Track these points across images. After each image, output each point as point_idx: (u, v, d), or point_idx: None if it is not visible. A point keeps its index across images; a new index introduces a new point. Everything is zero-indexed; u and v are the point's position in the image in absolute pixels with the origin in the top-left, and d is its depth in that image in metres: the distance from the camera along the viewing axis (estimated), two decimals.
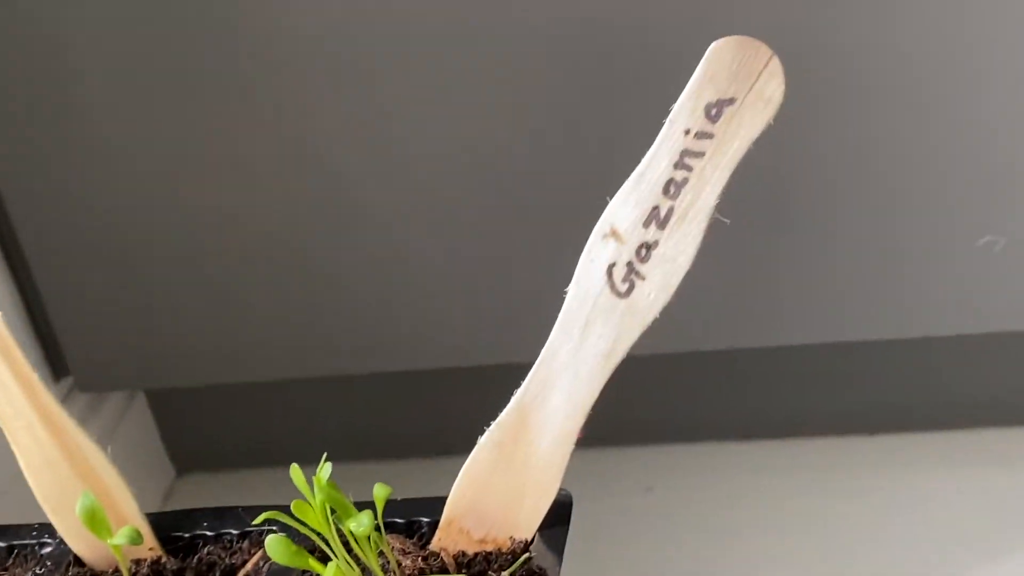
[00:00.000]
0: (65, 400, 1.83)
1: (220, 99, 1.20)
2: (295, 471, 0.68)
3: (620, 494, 1.79)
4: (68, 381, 1.83)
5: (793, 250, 1.61)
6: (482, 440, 0.74)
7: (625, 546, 1.74)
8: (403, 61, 1.16)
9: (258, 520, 0.67)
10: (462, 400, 1.64)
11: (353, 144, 1.38)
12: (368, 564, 0.70)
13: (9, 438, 0.78)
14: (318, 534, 0.69)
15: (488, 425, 0.74)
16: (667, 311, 0.72)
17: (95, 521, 0.74)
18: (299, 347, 1.70)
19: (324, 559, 0.71)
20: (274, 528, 0.78)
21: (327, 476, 0.68)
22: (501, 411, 0.74)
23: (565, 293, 0.71)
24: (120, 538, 0.74)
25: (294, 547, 0.67)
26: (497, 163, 1.32)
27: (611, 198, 0.69)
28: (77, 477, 0.78)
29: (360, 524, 0.68)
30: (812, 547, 1.69)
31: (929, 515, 1.71)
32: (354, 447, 1.72)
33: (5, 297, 1.73)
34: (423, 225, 1.52)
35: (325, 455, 0.70)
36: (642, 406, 1.75)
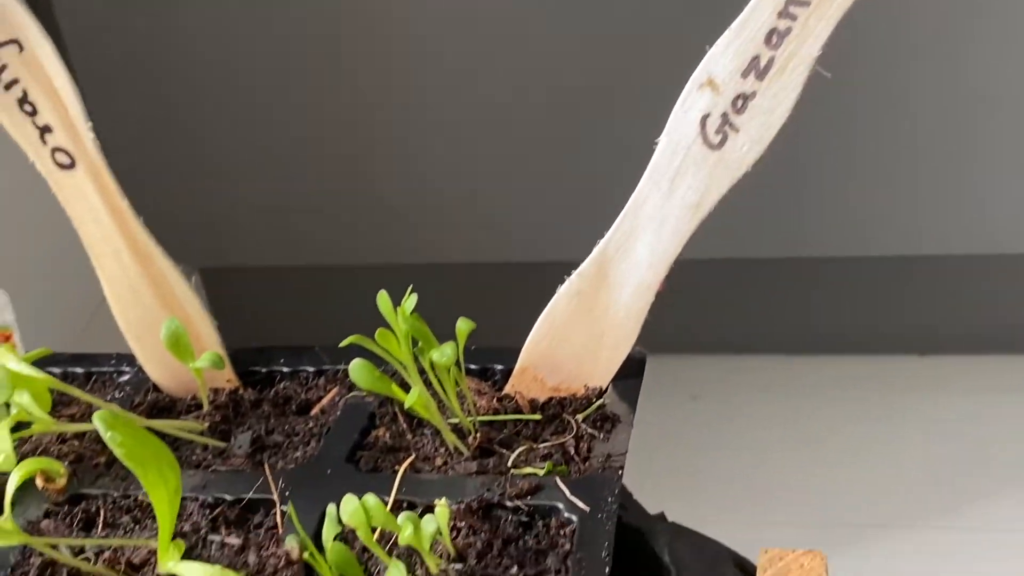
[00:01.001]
0: (104, 300, 1.85)
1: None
2: (383, 297, 0.69)
3: (666, 400, 1.80)
4: None
5: (853, 161, 1.60)
6: (562, 289, 0.75)
7: (667, 451, 1.76)
8: None
9: (344, 343, 0.68)
10: (499, 295, 1.67)
11: (418, 56, 1.39)
12: (446, 397, 0.71)
13: (95, 264, 0.79)
14: (400, 365, 0.70)
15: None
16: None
17: (179, 345, 0.75)
18: (354, 236, 1.72)
19: (404, 389, 0.72)
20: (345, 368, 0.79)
21: (412, 307, 0.69)
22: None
23: (655, 144, 0.71)
24: (203, 361, 0.75)
25: (377, 372, 0.68)
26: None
27: (710, 47, 0.69)
28: (160, 305, 0.79)
29: (443, 354, 0.69)
30: (849, 463, 1.70)
31: (969, 437, 1.72)
32: None
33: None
34: (476, 127, 1.53)
35: (411, 287, 0.70)
36: (693, 316, 1.76)
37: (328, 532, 0.59)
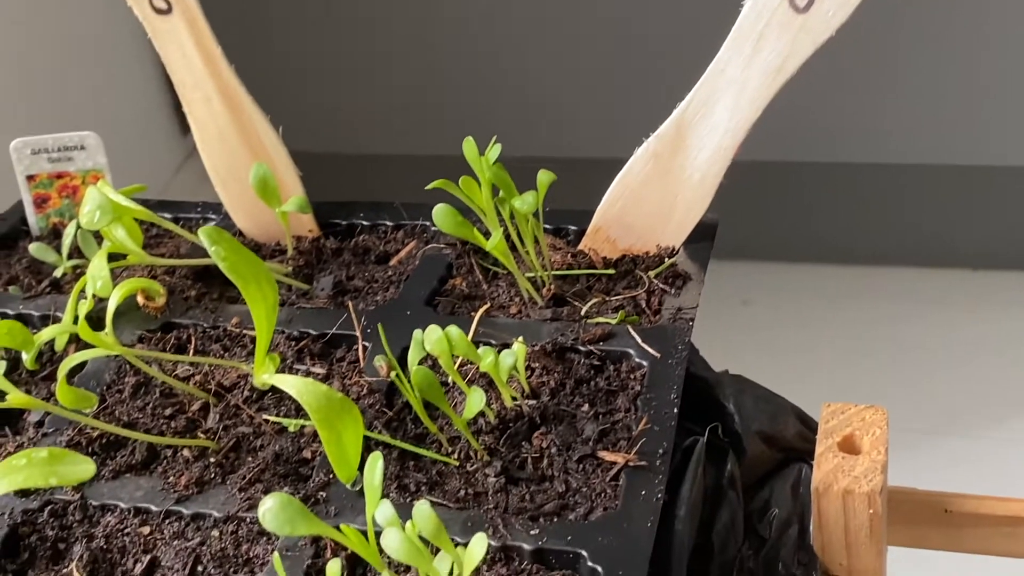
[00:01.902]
0: (191, 156, 1.89)
1: None
2: (468, 144, 0.71)
3: (718, 305, 1.82)
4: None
5: (911, 71, 1.58)
6: (638, 151, 0.77)
7: (717, 354, 1.78)
8: None
9: (430, 186, 0.71)
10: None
11: None
12: (523, 249, 0.74)
13: (186, 109, 0.81)
14: (481, 212, 0.73)
15: None
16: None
17: (266, 190, 0.78)
18: (421, 128, 1.74)
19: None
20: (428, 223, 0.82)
21: (496, 156, 0.71)
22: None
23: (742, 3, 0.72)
24: (290, 205, 0.78)
25: (460, 217, 0.70)
26: None
27: None
28: (248, 152, 0.82)
29: (524, 202, 0.71)
30: (898, 372, 1.71)
31: (1020, 351, 1.73)
32: None
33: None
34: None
35: (495, 137, 0.72)
36: (746, 222, 1.76)
37: (414, 355, 0.62)
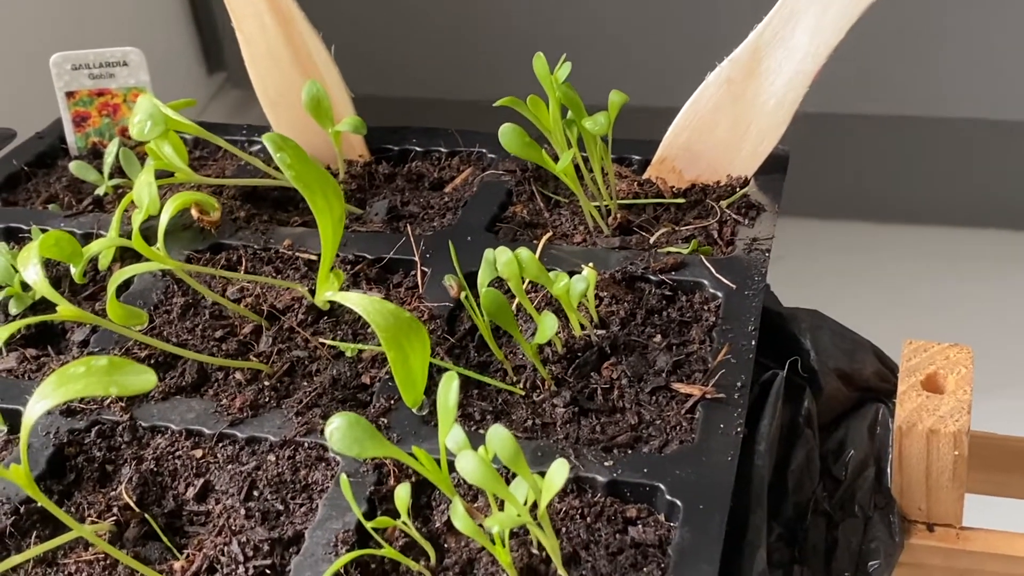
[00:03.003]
0: (217, 95, 1.86)
1: None
2: (539, 59, 0.67)
3: None
4: (221, 76, 1.85)
5: (961, 19, 1.53)
6: (709, 77, 0.73)
7: None
8: None
9: (498, 103, 0.67)
10: None
11: None
12: (588, 175, 0.70)
13: (235, 26, 0.78)
14: (549, 132, 0.69)
15: None
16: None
17: (319, 109, 0.75)
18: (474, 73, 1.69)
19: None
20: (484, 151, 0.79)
21: (566, 75, 0.68)
22: None
23: None
24: (344, 125, 0.75)
25: (527, 138, 0.67)
26: None
27: None
28: (298, 71, 0.78)
29: (596, 123, 0.67)
30: (936, 331, 1.68)
31: None
32: None
33: None
34: None
35: (564, 55, 0.69)
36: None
37: (484, 276, 0.59)
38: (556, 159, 0.68)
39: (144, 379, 0.46)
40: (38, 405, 0.46)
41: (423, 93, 1.70)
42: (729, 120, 0.73)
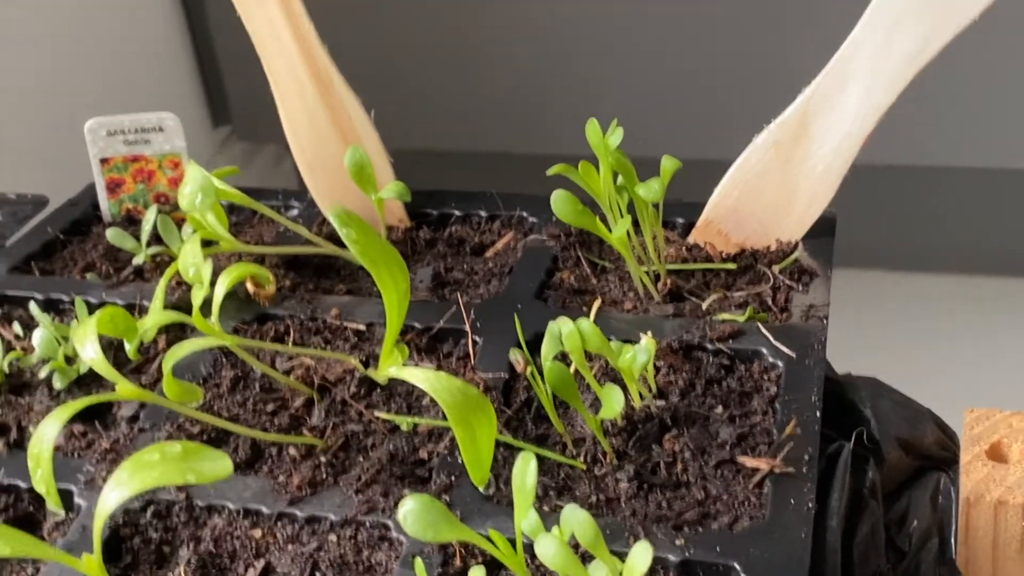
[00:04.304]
0: (222, 147, 1.85)
1: None
2: (592, 125, 0.67)
3: None
4: (227, 129, 1.84)
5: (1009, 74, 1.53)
6: (757, 140, 0.73)
7: None
8: None
9: (551, 171, 0.67)
10: None
11: None
12: (636, 241, 0.69)
13: (275, 91, 0.77)
14: (604, 201, 0.69)
15: None
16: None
17: (363, 175, 0.74)
18: (456, 121, 1.68)
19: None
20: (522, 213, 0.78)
21: (618, 141, 0.67)
22: None
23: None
24: (388, 192, 0.74)
25: (580, 205, 0.66)
26: None
27: None
28: (338, 136, 0.77)
29: (650, 190, 0.67)
30: (996, 381, 1.64)
31: None
32: None
33: (179, 40, 1.73)
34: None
35: (616, 120, 0.68)
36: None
37: (548, 349, 0.58)
38: (603, 220, 0.68)
39: (220, 465, 0.45)
40: (113, 495, 0.44)
41: (452, 145, 1.69)
42: (777, 183, 0.73)
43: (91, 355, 0.54)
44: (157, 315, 0.59)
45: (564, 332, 0.58)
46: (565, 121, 1.61)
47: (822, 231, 0.73)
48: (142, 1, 1.63)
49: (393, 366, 0.55)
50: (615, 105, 1.57)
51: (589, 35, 1.54)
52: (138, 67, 1.63)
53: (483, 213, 0.80)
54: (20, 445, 0.64)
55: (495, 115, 1.64)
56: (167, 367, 0.56)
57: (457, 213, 0.80)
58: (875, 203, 1.64)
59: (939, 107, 1.43)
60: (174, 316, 0.59)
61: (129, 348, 0.60)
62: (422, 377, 0.54)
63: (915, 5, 0.67)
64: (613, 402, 0.57)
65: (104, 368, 0.54)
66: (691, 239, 0.75)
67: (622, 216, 0.68)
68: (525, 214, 0.79)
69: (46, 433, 0.52)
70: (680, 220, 0.77)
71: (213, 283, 0.62)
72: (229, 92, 1.76)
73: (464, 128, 1.66)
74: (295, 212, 0.82)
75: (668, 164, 0.68)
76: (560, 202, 0.66)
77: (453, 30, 1.57)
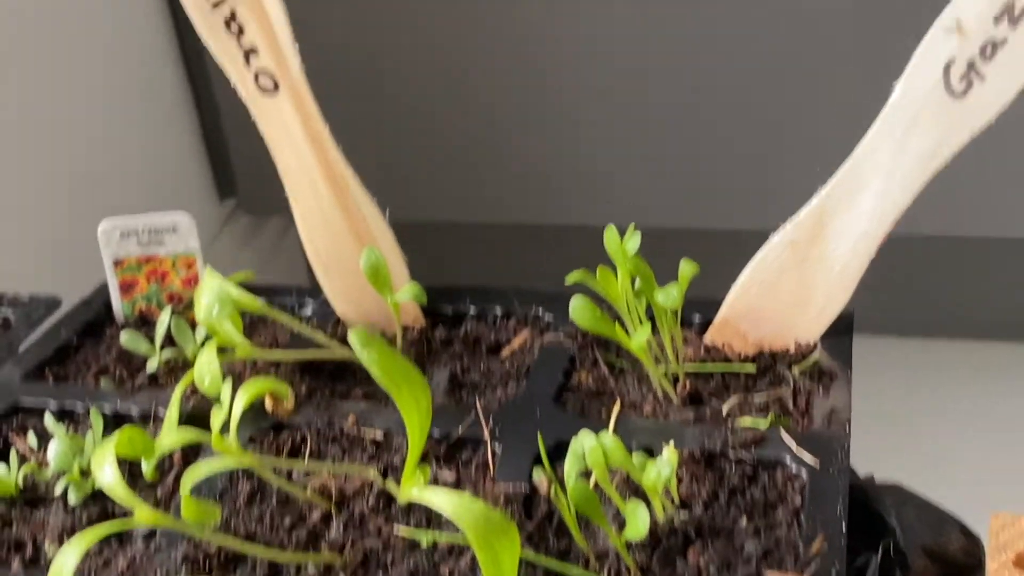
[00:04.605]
0: (228, 220, 1.85)
1: None
2: (611, 232, 0.67)
3: None
4: (232, 202, 1.85)
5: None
6: (774, 239, 0.72)
7: None
8: None
9: (570, 279, 0.66)
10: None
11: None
12: (654, 343, 0.69)
13: (288, 191, 0.77)
14: (623, 307, 0.68)
15: None
16: None
17: (378, 277, 0.73)
18: (463, 193, 1.69)
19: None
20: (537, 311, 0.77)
21: (635, 247, 0.67)
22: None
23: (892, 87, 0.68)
24: (404, 294, 0.74)
25: (599, 312, 0.66)
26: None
27: None
28: (352, 237, 0.77)
29: (668, 296, 0.66)
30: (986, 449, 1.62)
31: None
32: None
33: (184, 114, 1.74)
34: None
35: (633, 224, 0.68)
36: None
37: (571, 467, 0.57)
38: (615, 319, 0.67)
39: None
40: None
41: (458, 217, 1.68)
42: (794, 283, 0.72)
43: (109, 480, 0.53)
44: (174, 434, 0.58)
45: (586, 448, 0.58)
46: (573, 191, 1.61)
47: (840, 330, 0.73)
48: (148, 75, 1.63)
49: (415, 487, 0.55)
50: (623, 176, 1.57)
51: (598, 106, 1.54)
52: (145, 141, 1.64)
53: (499, 311, 0.80)
54: (35, 562, 0.63)
55: (504, 185, 1.64)
56: (185, 489, 0.56)
57: (472, 311, 0.80)
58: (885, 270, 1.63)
59: (980, 177, 1.43)
60: (191, 435, 0.58)
61: (146, 468, 0.60)
62: (445, 501, 0.53)
63: (932, 107, 0.67)
64: (638, 522, 0.56)
65: (122, 494, 0.53)
66: (708, 338, 0.75)
67: (641, 322, 0.67)
68: (541, 311, 0.79)
69: (66, 563, 0.51)
70: (697, 316, 0.76)
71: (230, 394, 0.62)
72: (235, 165, 1.76)
73: (472, 199, 1.66)
74: (309, 310, 0.81)
75: (686, 269, 0.68)
76: (579, 310, 0.66)
77: (459, 101, 1.57)
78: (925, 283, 1.73)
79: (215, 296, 0.64)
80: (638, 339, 0.64)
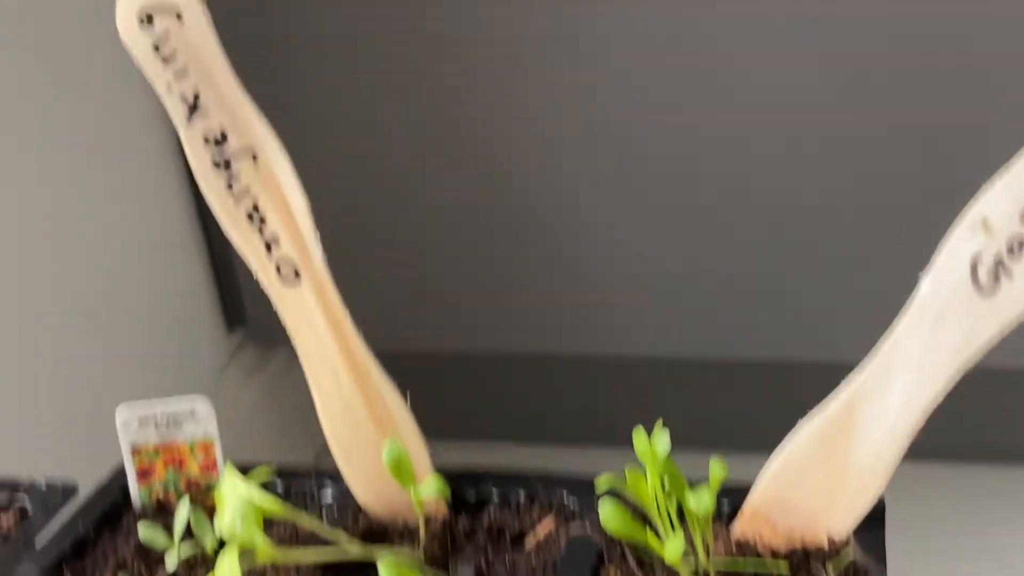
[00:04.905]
0: (236, 352, 1.84)
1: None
2: (638, 434, 0.66)
3: None
4: (240, 333, 1.84)
5: None
6: (801, 431, 0.72)
7: None
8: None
9: (600, 489, 0.65)
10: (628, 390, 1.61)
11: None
12: (692, 537, 0.68)
13: (309, 378, 0.76)
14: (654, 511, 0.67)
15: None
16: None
17: (401, 470, 0.72)
18: (479, 324, 1.68)
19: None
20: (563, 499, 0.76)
21: (666, 450, 0.66)
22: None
23: (919, 279, 0.68)
24: (427, 489, 0.73)
25: (630, 517, 0.65)
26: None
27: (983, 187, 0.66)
28: (374, 424, 0.76)
29: (700, 503, 0.65)
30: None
31: None
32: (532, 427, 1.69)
33: (192, 243, 1.74)
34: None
35: (660, 420, 0.67)
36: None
37: None
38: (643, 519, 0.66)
39: None
40: None
41: (467, 346, 1.67)
42: (824, 473, 0.72)
43: None
44: None
45: None
46: (583, 320, 1.61)
47: (874, 523, 0.72)
48: (155, 208, 1.64)
49: None
50: (637, 304, 1.56)
51: (607, 235, 1.54)
52: (149, 271, 1.64)
53: (522, 496, 0.78)
54: None
55: (514, 314, 1.63)
56: None
57: (496, 498, 0.79)
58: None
59: None
60: None
61: None
62: None
63: (960, 302, 0.67)
64: None
65: None
66: (738, 530, 0.73)
67: (673, 527, 0.66)
68: (566, 495, 0.77)
69: None
70: (725, 502, 0.75)
71: None
72: (244, 296, 1.76)
73: (482, 328, 1.65)
74: (329, 496, 0.80)
75: (717, 470, 0.67)
76: (611, 517, 0.65)
77: (466, 228, 1.57)
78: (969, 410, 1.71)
79: (238, 511, 0.63)
80: (673, 550, 0.63)
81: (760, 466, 0.72)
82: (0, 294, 1.22)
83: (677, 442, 0.69)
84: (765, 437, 0.75)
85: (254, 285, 1.70)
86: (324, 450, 0.78)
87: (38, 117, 1.31)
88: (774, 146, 1.38)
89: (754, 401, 1.59)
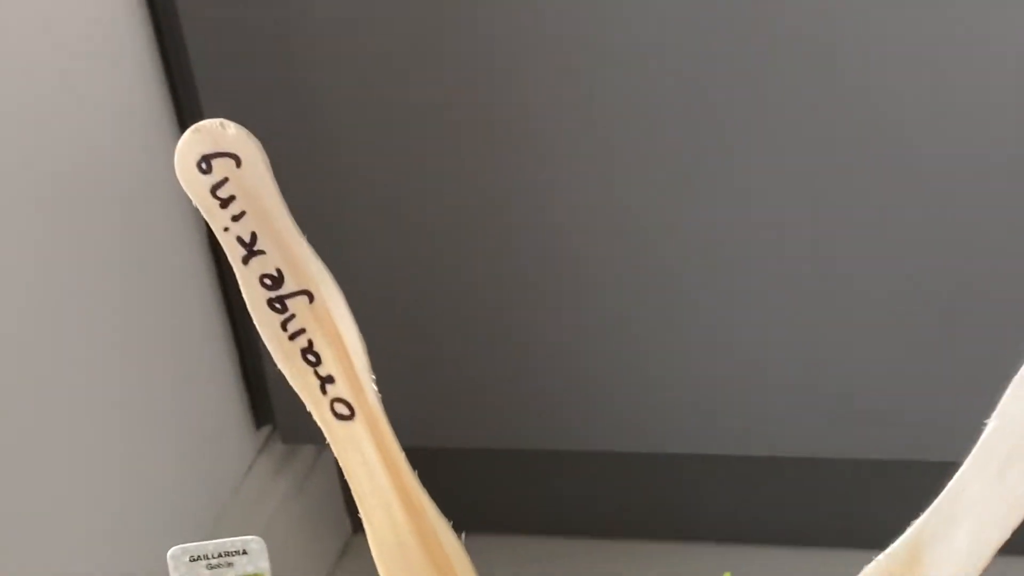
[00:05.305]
0: (264, 448, 1.83)
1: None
2: None
3: None
4: (267, 429, 1.83)
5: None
6: (868, 569, 0.71)
7: None
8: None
9: None
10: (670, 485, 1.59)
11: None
12: None
13: (363, 515, 0.76)
14: None
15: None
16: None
17: None
18: (499, 419, 1.67)
19: None
20: None
21: None
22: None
23: (983, 425, 0.67)
24: None
25: None
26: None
27: None
28: (428, 561, 0.76)
29: None
30: None
31: None
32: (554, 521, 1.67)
33: (219, 341, 1.74)
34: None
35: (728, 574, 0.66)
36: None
37: None
38: None
39: None
40: None
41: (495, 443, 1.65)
42: None
43: None
44: None
45: None
46: (605, 416, 1.59)
47: None
48: (183, 309, 1.63)
49: None
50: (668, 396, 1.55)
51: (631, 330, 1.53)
52: (177, 369, 1.63)
53: None
54: None
55: (532, 411, 1.62)
56: None
57: None
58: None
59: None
60: None
61: None
62: None
63: None
64: None
65: None
66: None
67: None
68: None
69: None
70: None
71: None
72: (271, 392, 1.75)
73: (513, 423, 1.64)
74: None
75: None
76: None
77: (486, 323, 1.56)
78: None
79: None
80: None
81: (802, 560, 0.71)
82: (12, 386, 1.22)
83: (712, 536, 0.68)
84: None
85: (282, 382, 1.68)
86: (345, 548, 0.76)
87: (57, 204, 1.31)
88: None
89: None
